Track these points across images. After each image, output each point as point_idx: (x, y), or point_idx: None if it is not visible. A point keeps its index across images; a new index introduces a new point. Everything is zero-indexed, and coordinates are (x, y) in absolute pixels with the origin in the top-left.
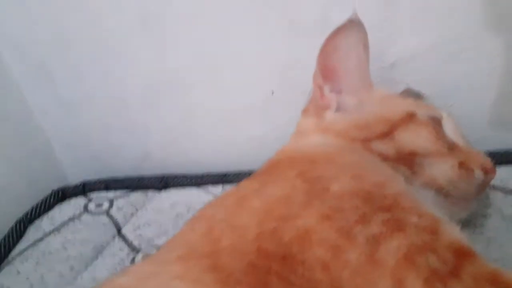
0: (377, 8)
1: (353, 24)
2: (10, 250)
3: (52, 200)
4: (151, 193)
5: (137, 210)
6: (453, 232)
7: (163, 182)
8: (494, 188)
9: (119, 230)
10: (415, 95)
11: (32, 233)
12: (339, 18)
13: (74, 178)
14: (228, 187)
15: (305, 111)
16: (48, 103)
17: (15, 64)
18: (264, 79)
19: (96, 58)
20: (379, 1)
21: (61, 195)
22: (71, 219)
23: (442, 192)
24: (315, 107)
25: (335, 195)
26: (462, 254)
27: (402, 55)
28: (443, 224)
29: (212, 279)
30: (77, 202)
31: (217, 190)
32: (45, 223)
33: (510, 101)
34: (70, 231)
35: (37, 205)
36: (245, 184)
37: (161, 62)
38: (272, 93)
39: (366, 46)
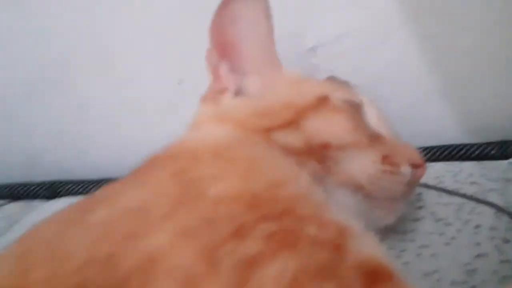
0: None
1: None
2: None
3: None
4: (37, 203)
5: (14, 223)
6: (366, 247)
7: (52, 190)
8: (427, 186)
9: None
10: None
11: None
12: None
13: None
14: None
15: (203, 99)
16: None
17: None
18: (170, 66)
19: None
20: None
21: None
22: None
23: (362, 192)
24: (212, 92)
25: (210, 202)
26: (375, 278)
27: (323, 39)
28: (352, 237)
29: None
30: None
31: None
32: None
33: (441, 91)
34: None
35: None
36: (104, 189)
37: (42, 48)
38: (180, 82)
39: (269, 17)
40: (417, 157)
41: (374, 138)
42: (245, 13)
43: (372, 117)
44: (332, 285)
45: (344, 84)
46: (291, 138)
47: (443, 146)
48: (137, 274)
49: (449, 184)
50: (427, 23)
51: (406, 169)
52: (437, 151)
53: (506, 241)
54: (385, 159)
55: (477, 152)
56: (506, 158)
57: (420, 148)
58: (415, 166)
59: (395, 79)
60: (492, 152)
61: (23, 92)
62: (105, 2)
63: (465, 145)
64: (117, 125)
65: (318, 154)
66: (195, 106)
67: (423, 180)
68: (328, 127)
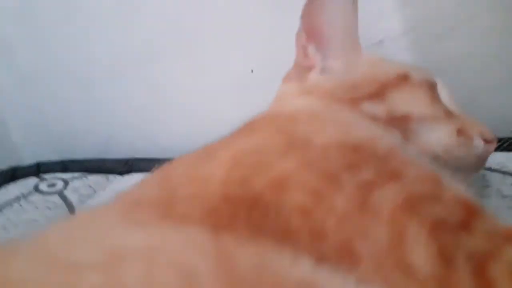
0: None
1: None
2: None
3: (6, 176)
4: (112, 177)
5: (95, 192)
6: (459, 188)
7: (127, 166)
8: (492, 170)
9: (72, 212)
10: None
11: None
12: None
13: (30, 159)
14: None
15: (285, 78)
16: (3, 76)
17: None
18: (242, 55)
19: (60, 30)
20: None
21: (12, 176)
22: (17, 198)
23: (438, 161)
24: (297, 70)
25: (318, 146)
26: (470, 209)
27: (390, 32)
28: (445, 180)
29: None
30: (26, 182)
31: None
32: None
33: (503, 85)
34: (13, 212)
35: None
36: (212, 143)
37: (130, 34)
38: (252, 71)
39: (355, 3)
40: (488, 133)
41: (449, 114)
42: (332, 2)
43: (445, 96)
44: (439, 208)
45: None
46: (375, 109)
47: (506, 138)
48: (271, 188)
49: None
50: (492, 17)
51: (478, 142)
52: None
53: None
54: (460, 131)
55: None
56: None
57: None
58: (486, 141)
59: (459, 72)
60: None
61: (108, 73)
62: None
63: None
64: (189, 109)
65: (400, 125)
66: (265, 93)
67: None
68: (409, 100)
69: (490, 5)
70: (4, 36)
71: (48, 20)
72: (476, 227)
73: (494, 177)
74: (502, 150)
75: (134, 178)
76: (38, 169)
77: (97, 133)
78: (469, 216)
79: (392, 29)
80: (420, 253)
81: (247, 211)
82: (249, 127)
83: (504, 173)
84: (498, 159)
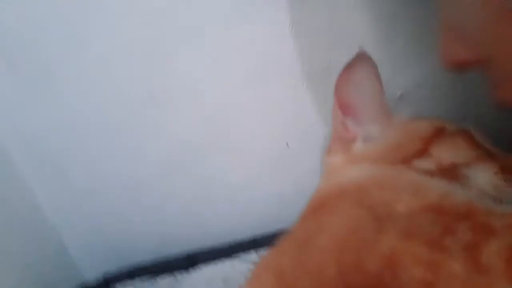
0: (378, 45)
1: (362, 57)
2: None
3: None
4: (180, 275)
5: None
6: None
7: (190, 260)
8: None
9: None
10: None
11: None
12: (343, 61)
13: (93, 274)
14: (262, 251)
15: (328, 151)
16: (58, 195)
17: (21, 157)
18: (276, 131)
19: (106, 141)
20: (379, 40)
21: None
22: None
23: (495, 202)
24: (340, 143)
25: (404, 215)
26: None
27: (407, 86)
28: None
29: None
30: None
31: (251, 256)
32: None
33: None
34: None
35: None
36: (297, 228)
37: (172, 136)
38: (287, 145)
39: (377, 76)
40: None
41: (491, 154)
42: (358, 77)
43: (481, 140)
44: None
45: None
46: (426, 164)
47: None
48: (386, 267)
49: None
50: None
51: None
52: None
53: None
54: (504, 169)
55: None
56: None
57: None
58: None
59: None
60: None
61: (156, 176)
62: (221, 89)
63: None
64: (234, 192)
65: (451, 175)
66: (301, 165)
67: None
68: (452, 148)
69: None
70: (54, 157)
71: (91, 134)
72: None
73: None
74: None
75: (203, 273)
76: (106, 282)
77: (153, 235)
78: None
79: (408, 82)
80: None
81: None
82: (322, 207)
83: None
84: None
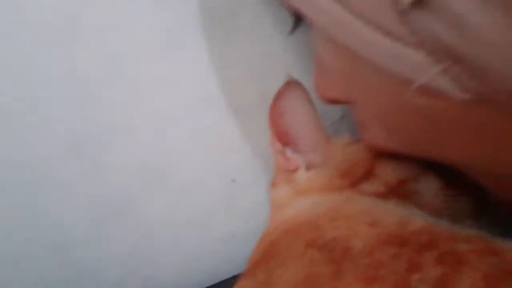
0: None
1: (291, 85)
2: None
3: None
4: None
5: None
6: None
7: None
8: None
9: None
10: None
11: None
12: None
13: None
14: None
15: (273, 185)
16: None
17: None
18: (220, 167)
19: (28, 200)
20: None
21: None
22: None
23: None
24: (282, 175)
25: (363, 253)
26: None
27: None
28: (495, 242)
29: None
30: None
31: None
32: None
33: None
34: None
35: None
36: (245, 283)
37: (101, 187)
38: (233, 181)
39: (310, 102)
40: None
41: (428, 165)
42: (291, 106)
43: None
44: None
45: None
46: (374, 187)
47: None
48: None
49: None
50: None
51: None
52: None
53: None
54: (446, 187)
55: None
56: None
57: None
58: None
59: None
60: None
61: (86, 233)
62: (155, 135)
63: None
64: (179, 241)
65: (400, 192)
66: (251, 201)
67: None
68: (395, 166)
69: None
70: None
71: (14, 194)
72: None
73: None
74: None
75: None
76: None
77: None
78: None
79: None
80: None
81: None
82: (272, 252)
83: None
84: None
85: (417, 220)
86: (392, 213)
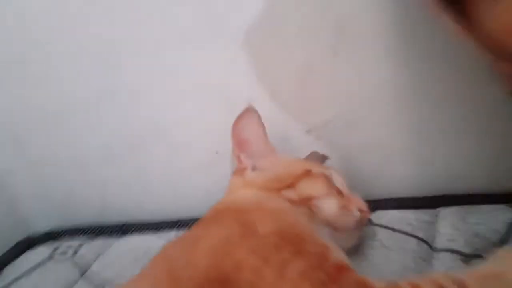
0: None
1: (249, 110)
2: None
3: (19, 249)
4: (111, 240)
5: (99, 255)
6: (338, 255)
7: (123, 229)
8: (380, 226)
9: (83, 273)
10: (321, 157)
11: (3, 277)
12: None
13: (40, 228)
14: (181, 232)
15: (234, 173)
16: (13, 161)
17: None
18: (210, 141)
19: (62, 123)
20: (296, 84)
21: (27, 245)
22: (38, 265)
23: (332, 226)
24: (238, 169)
25: (261, 235)
26: (342, 269)
27: (315, 124)
28: (331, 250)
29: None
30: (42, 251)
31: (170, 235)
32: (15, 268)
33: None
34: (39, 276)
35: (7, 251)
36: (195, 229)
37: (119, 127)
38: (217, 152)
39: (261, 124)
40: (363, 205)
41: (339, 193)
42: (247, 124)
43: (337, 182)
44: (322, 273)
45: (321, 158)
46: (291, 194)
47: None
48: (233, 270)
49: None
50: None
51: (356, 212)
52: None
53: (423, 259)
54: (343, 206)
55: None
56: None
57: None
58: (361, 211)
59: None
60: None
61: (102, 156)
62: (165, 98)
63: None
64: (169, 182)
65: (306, 203)
66: (226, 169)
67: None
68: (311, 186)
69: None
70: (13, 128)
71: (49, 115)
72: (343, 280)
73: (381, 232)
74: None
75: (130, 242)
76: (49, 237)
77: (94, 204)
78: (340, 274)
79: (316, 121)
80: None
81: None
82: (215, 218)
83: (387, 228)
84: (388, 216)
85: (301, 225)
86: (291, 217)
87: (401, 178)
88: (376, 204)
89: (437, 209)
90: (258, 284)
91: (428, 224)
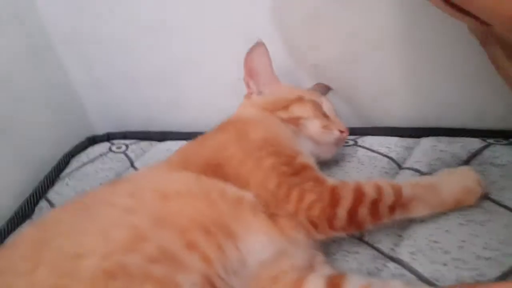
0: (304, 29)
1: (259, 45)
2: (60, 172)
3: (85, 144)
4: (153, 143)
5: (145, 152)
6: (307, 160)
7: (162, 136)
8: (361, 146)
9: (132, 164)
10: (324, 87)
11: (74, 163)
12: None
13: (101, 131)
14: None
15: (245, 96)
16: (84, 79)
17: (62, 50)
18: (233, 70)
19: (122, 48)
20: (306, 24)
21: (91, 142)
22: (100, 155)
23: (315, 141)
24: (248, 93)
25: (251, 139)
26: (305, 167)
27: (320, 59)
28: (302, 155)
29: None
30: (103, 146)
31: None
32: (83, 157)
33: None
34: (100, 162)
35: (76, 145)
36: (209, 133)
37: (162, 58)
38: (239, 79)
39: (268, 57)
40: (342, 127)
41: (325, 116)
42: (257, 56)
43: (326, 108)
44: (289, 168)
45: (325, 89)
46: (284, 115)
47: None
48: (225, 160)
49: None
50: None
51: (335, 132)
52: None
53: (388, 174)
54: (324, 126)
55: None
56: None
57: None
58: (341, 132)
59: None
60: None
61: (153, 77)
62: (201, 34)
63: None
64: (201, 101)
65: (295, 122)
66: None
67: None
68: (301, 109)
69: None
70: (85, 50)
71: (116, 39)
72: (303, 174)
73: (359, 151)
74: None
75: (167, 145)
76: (108, 137)
77: (142, 115)
78: (302, 169)
79: (321, 57)
80: (272, 183)
81: (214, 169)
82: (224, 125)
83: (365, 148)
84: (368, 140)
85: (283, 135)
86: (277, 129)
87: (396, 109)
88: (368, 131)
89: (420, 139)
90: (240, 170)
91: (405, 149)
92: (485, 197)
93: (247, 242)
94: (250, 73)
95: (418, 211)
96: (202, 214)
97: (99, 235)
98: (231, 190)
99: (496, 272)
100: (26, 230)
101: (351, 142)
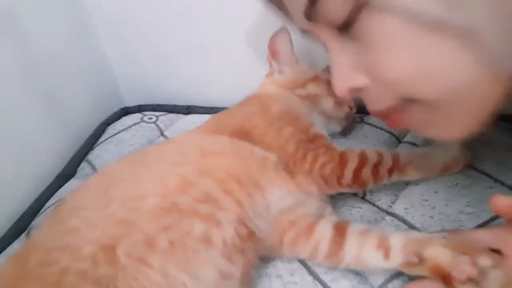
0: None
1: (282, 30)
2: (97, 138)
3: (118, 115)
4: (181, 115)
5: (172, 123)
6: (318, 129)
7: (189, 110)
8: (366, 123)
9: (162, 133)
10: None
11: (110, 130)
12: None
13: (133, 103)
14: None
15: (267, 74)
16: (117, 54)
17: (102, 31)
18: (248, 49)
19: (154, 28)
20: None
21: (124, 113)
22: (133, 124)
23: (327, 116)
24: (269, 72)
25: (272, 112)
26: (318, 136)
27: None
28: (314, 126)
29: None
30: (135, 116)
31: None
32: (118, 125)
33: None
34: (133, 131)
35: (111, 115)
36: (236, 106)
37: (188, 37)
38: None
39: (290, 40)
40: (352, 105)
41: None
42: (280, 39)
43: None
44: (304, 135)
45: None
46: (301, 92)
47: None
48: (252, 128)
49: None
50: None
51: (346, 109)
52: None
53: (388, 146)
54: (337, 102)
55: None
56: None
57: None
58: (350, 108)
59: None
60: None
61: (179, 55)
62: (223, 16)
63: None
64: (223, 79)
65: (312, 100)
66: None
67: None
68: (316, 87)
69: None
70: (120, 27)
71: (150, 22)
72: (317, 142)
73: (365, 126)
74: None
75: (193, 118)
76: (139, 109)
77: (171, 91)
78: (317, 138)
79: None
80: (291, 148)
81: (242, 135)
82: (249, 100)
83: (370, 124)
84: None
85: (300, 110)
86: (294, 105)
87: None
88: None
89: None
90: (264, 137)
91: None
92: (470, 166)
93: (271, 192)
94: (273, 54)
95: (412, 174)
96: (235, 168)
97: (155, 182)
98: (258, 151)
99: (474, 224)
100: (91, 179)
101: (358, 119)
